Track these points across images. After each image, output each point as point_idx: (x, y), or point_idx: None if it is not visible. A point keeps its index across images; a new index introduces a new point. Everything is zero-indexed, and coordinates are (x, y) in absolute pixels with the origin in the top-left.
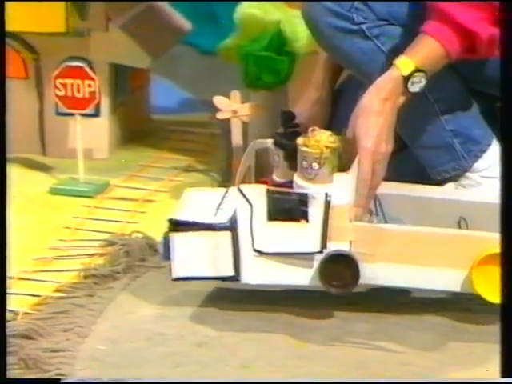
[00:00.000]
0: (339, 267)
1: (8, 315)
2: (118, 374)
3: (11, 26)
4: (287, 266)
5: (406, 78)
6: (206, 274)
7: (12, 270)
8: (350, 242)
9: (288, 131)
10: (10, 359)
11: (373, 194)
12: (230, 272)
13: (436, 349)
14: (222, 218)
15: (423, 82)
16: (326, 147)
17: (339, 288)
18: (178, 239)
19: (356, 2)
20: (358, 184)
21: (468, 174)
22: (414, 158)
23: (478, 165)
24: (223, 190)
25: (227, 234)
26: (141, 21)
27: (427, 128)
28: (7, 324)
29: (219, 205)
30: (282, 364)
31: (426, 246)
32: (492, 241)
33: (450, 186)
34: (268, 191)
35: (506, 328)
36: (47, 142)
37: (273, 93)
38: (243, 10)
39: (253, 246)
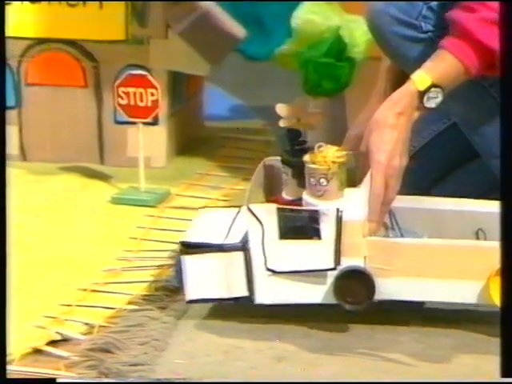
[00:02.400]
0: (354, 283)
1: (84, 328)
2: None
3: (71, 33)
4: (301, 284)
5: (422, 93)
6: (220, 295)
7: (83, 281)
8: (365, 257)
9: (295, 148)
10: (90, 373)
11: (387, 209)
12: (244, 292)
13: None
14: (234, 239)
15: (440, 97)
16: (333, 162)
17: (354, 304)
18: (190, 261)
19: (424, 10)
20: (371, 199)
21: None
22: (483, 170)
23: None
24: (236, 209)
25: (239, 255)
26: (198, 27)
27: None
28: (86, 337)
29: (231, 224)
30: (365, 379)
31: (440, 258)
32: None
33: None
34: (278, 209)
35: (505, 328)
36: (105, 150)
37: (331, 100)
38: (301, 16)
39: (266, 265)
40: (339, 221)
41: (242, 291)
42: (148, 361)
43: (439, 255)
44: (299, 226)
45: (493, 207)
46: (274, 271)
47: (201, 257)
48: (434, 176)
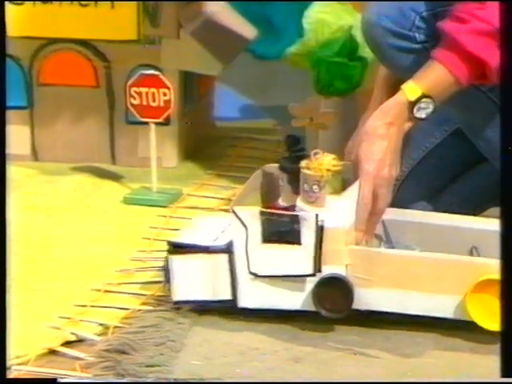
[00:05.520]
0: (333, 291)
1: (98, 329)
2: None
3: (83, 33)
4: (283, 290)
5: (413, 104)
6: (205, 297)
7: (97, 282)
8: (346, 265)
9: (292, 155)
10: (106, 374)
11: (377, 219)
12: (228, 296)
13: None
14: (221, 241)
15: (430, 107)
16: (328, 170)
17: (333, 312)
18: (177, 262)
19: (416, 21)
20: (358, 208)
21: None
22: (496, 171)
23: None
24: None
25: (224, 257)
26: (210, 27)
27: None
28: (101, 338)
29: (225, 229)
30: (381, 380)
31: (421, 271)
32: (486, 266)
33: None
34: (262, 213)
35: (506, 327)
36: (117, 150)
37: (343, 99)
38: (313, 16)
39: (248, 268)
40: (319, 227)
41: (226, 294)
42: (165, 362)
43: (420, 268)
44: (281, 230)
45: (487, 225)
46: (256, 275)
47: (187, 257)
48: (447, 176)
